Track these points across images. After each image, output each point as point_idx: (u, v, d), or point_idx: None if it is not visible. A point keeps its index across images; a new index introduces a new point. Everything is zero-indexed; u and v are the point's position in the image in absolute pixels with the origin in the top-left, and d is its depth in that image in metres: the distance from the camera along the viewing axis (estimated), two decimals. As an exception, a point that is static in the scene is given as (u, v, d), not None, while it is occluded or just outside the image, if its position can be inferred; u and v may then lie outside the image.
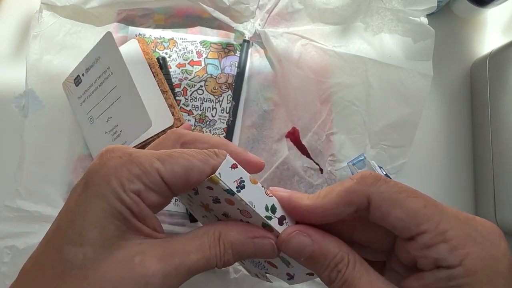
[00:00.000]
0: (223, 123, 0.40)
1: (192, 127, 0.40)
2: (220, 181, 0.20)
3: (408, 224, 0.19)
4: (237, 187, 0.20)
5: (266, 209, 0.21)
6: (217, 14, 0.40)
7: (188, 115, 0.40)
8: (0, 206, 0.38)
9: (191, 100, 0.41)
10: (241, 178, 0.20)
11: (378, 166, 0.37)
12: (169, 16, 0.42)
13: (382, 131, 0.40)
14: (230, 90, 0.41)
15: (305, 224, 0.21)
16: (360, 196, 0.20)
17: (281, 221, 0.21)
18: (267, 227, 0.21)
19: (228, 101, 0.41)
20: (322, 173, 0.40)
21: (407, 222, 0.19)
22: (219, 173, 0.20)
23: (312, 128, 0.40)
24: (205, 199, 0.23)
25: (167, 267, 0.19)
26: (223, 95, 0.41)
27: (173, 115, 0.39)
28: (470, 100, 0.43)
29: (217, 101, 0.41)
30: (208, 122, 0.40)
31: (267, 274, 0.27)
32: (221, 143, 0.25)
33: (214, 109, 0.41)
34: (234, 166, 0.21)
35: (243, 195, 0.20)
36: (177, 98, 0.40)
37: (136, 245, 0.19)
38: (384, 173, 0.37)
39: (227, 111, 0.40)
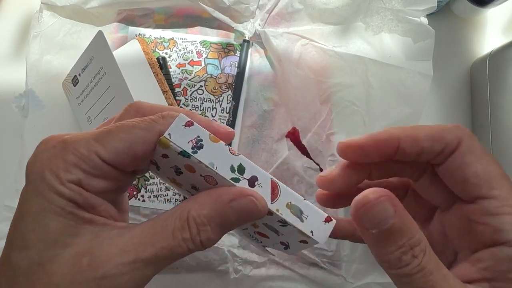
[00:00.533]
0: (223, 123, 0.40)
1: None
2: (171, 143, 0.17)
3: (481, 183, 0.19)
4: (193, 148, 0.17)
5: (232, 169, 0.18)
6: (217, 14, 0.40)
7: (188, 115, 0.40)
8: (0, 206, 0.38)
9: (191, 100, 0.41)
10: (197, 136, 0.17)
11: (378, 166, 0.37)
12: (169, 16, 0.42)
13: (382, 131, 0.40)
14: (230, 90, 0.41)
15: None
16: (454, 137, 0.19)
17: (252, 182, 0.18)
18: None
19: (228, 101, 0.41)
20: (322, 173, 0.40)
21: (482, 180, 0.19)
22: (169, 134, 0.17)
23: (312, 128, 0.40)
24: (168, 173, 0.20)
25: (120, 265, 0.17)
26: (223, 95, 0.41)
27: None
28: (470, 100, 0.43)
29: (217, 101, 0.41)
30: (208, 122, 0.40)
31: (266, 248, 0.25)
32: (178, 109, 0.21)
33: (214, 109, 0.41)
34: (188, 124, 0.18)
35: (201, 156, 0.17)
36: (177, 98, 0.40)
37: (86, 241, 0.17)
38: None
39: (227, 111, 0.40)
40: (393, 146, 0.20)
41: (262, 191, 0.18)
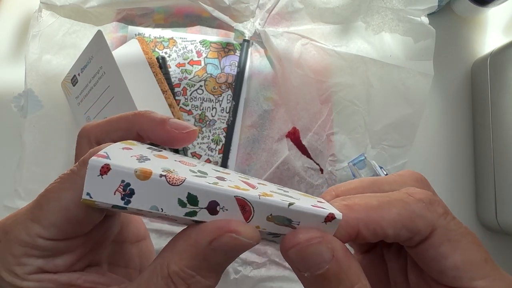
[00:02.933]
0: (223, 123, 0.40)
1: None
2: (96, 202, 0.14)
3: (461, 275, 0.16)
4: (122, 198, 0.14)
5: (182, 204, 0.14)
6: (217, 14, 0.40)
7: (188, 114, 0.40)
8: (0, 206, 0.38)
9: (191, 100, 0.40)
10: (122, 181, 0.14)
11: (379, 166, 0.37)
12: (168, 15, 0.42)
13: (382, 131, 0.39)
14: (230, 90, 0.41)
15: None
16: (426, 226, 0.16)
17: (212, 209, 0.15)
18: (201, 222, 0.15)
19: (228, 101, 0.40)
20: (322, 173, 0.39)
21: (462, 272, 0.16)
22: (87, 193, 0.14)
23: (313, 128, 0.40)
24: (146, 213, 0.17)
25: None
26: (223, 94, 0.41)
27: (173, 114, 0.38)
28: (471, 100, 0.43)
29: (217, 100, 0.41)
30: (208, 122, 0.40)
31: None
32: (129, 119, 0.18)
33: (214, 109, 0.40)
34: (104, 171, 0.14)
35: (137, 203, 0.14)
36: (176, 97, 0.40)
37: None
38: (385, 173, 0.36)
39: (227, 111, 0.40)
40: (350, 235, 0.16)
41: (230, 214, 0.15)
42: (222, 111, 0.40)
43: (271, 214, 0.15)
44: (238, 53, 0.41)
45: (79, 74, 0.38)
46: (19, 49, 0.43)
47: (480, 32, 0.44)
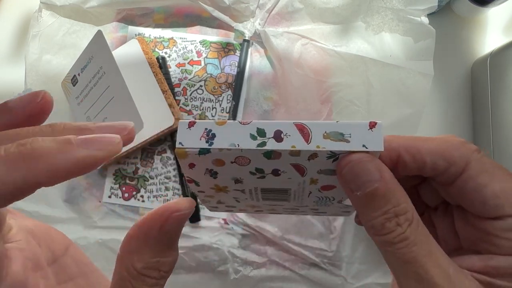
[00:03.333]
0: (223, 123, 0.40)
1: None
2: (186, 149, 0.17)
3: (502, 202, 0.17)
4: (207, 141, 0.17)
5: (253, 137, 0.17)
6: (217, 14, 0.40)
7: (188, 114, 0.40)
8: (-1, 206, 0.38)
9: (191, 100, 0.40)
10: (205, 129, 0.17)
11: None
12: (168, 15, 0.42)
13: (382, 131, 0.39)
14: (230, 90, 0.41)
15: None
16: (461, 157, 0.18)
17: (278, 137, 0.17)
18: (271, 155, 0.17)
19: (228, 101, 0.40)
20: (322, 173, 0.39)
21: (503, 200, 0.17)
22: (180, 142, 0.17)
23: (312, 128, 0.40)
24: (207, 182, 0.20)
25: None
26: (223, 94, 0.41)
27: (173, 114, 0.38)
28: (470, 100, 0.43)
29: (217, 100, 0.41)
30: (208, 122, 0.40)
31: (343, 203, 0.22)
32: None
33: (214, 109, 0.40)
34: (191, 124, 0.17)
35: (218, 143, 0.17)
36: (176, 97, 0.40)
37: None
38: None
39: (227, 111, 0.40)
40: (391, 158, 0.18)
41: (293, 139, 0.17)
42: (222, 111, 0.40)
43: (326, 132, 0.17)
44: (238, 53, 0.41)
45: (79, 74, 0.38)
46: (19, 49, 0.43)
47: (480, 32, 0.44)
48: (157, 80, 0.39)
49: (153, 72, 0.39)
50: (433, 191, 0.21)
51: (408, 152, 0.18)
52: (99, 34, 0.36)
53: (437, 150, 0.18)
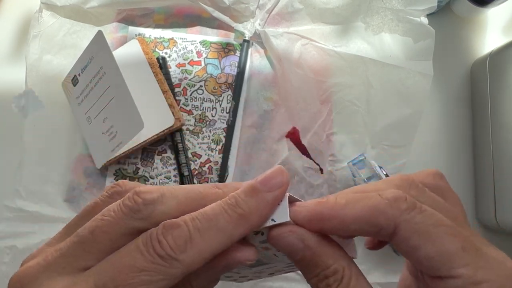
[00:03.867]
0: (223, 123, 0.40)
1: (192, 127, 0.40)
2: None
3: (439, 265, 0.16)
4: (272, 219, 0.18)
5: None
6: (217, 14, 0.40)
7: (188, 115, 0.40)
8: (0, 206, 0.38)
9: (191, 100, 0.41)
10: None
11: (379, 166, 0.37)
12: (169, 15, 0.42)
13: (382, 131, 0.40)
14: (230, 90, 0.41)
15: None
16: (388, 221, 0.17)
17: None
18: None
19: (228, 101, 0.41)
20: (322, 173, 0.39)
21: (438, 262, 0.16)
22: (272, 219, 0.17)
23: (312, 128, 0.40)
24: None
25: None
26: (223, 95, 0.41)
27: (173, 115, 0.38)
28: (470, 100, 0.43)
29: (217, 101, 0.41)
30: (208, 122, 0.40)
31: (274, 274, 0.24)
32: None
33: (214, 109, 0.41)
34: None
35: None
36: (177, 98, 0.40)
37: None
38: (385, 173, 0.37)
39: (227, 111, 0.40)
40: (312, 226, 0.18)
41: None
42: (222, 111, 0.40)
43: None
44: (238, 53, 0.41)
45: (79, 75, 0.38)
46: (20, 49, 0.43)
47: (479, 32, 0.44)
48: (157, 80, 0.39)
49: (153, 72, 0.39)
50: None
51: (335, 223, 0.17)
52: (99, 35, 0.36)
53: (361, 216, 0.17)
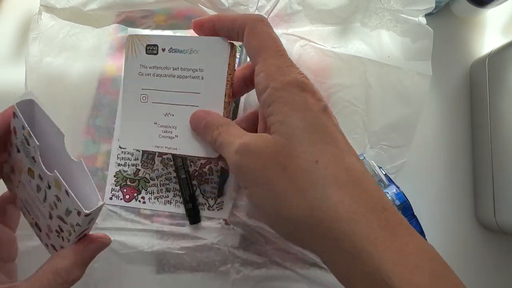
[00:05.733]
0: (223, 124, 0.40)
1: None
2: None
3: (255, 53, 0.26)
4: None
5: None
6: (216, 16, 0.40)
7: (188, 116, 0.40)
8: None
9: (191, 102, 0.41)
10: None
11: (378, 166, 0.37)
12: (169, 17, 0.42)
13: (381, 131, 0.40)
14: (229, 91, 0.41)
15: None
16: (242, 22, 0.27)
17: None
18: None
19: (228, 102, 0.40)
20: (321, 173, 0.40)
21: (255, 51, 0.26)
22: None
23: (312, 129, 0.40)
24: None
25: None
26: (222, 96, 0.41)
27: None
28: (469, 100, 0.43)
29: (216, 102, 0.41)
30: (207, 123, 0.40)
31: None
32: None
33: (214, 110, 0.40)
34: None
35: None
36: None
37: None
38: (384, 173, 0.37)
39: (227, 112, 0.40)
40: (211, 26, 0.29)
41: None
42: (222, 112, 0.40)
43: None
44: (238, 54, 0.41)
45: (164, 49, 0.31)
46: (20, 51, 0.43)
47: (478, 32, 0.44)
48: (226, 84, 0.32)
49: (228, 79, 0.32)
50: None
51: (218, 21, 0.29)
52: (225, 46, 0.30)
53: (230, 19, 0.28)
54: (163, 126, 0.32)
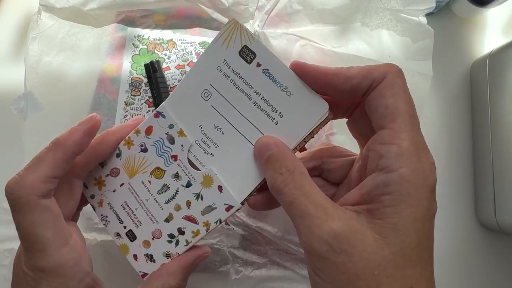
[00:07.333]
0: (223, 124, 0.40)
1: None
2: None
3: (387, 114, 0.21)
4: None
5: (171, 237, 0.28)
6: (216, 15, 0.40)
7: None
8: (-1, 208, 0.38)
9: (191, 101, 0.40)
10: None
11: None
12: (169, 16, 0.42)
13: (382, 132, 0.40)
14: (229, 91, 0.40)
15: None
16: (380, 73, 0.21)
17: (180, 231, 0.27)
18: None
19: (228, 102, 0.40)
20: (322, 174, 0.39)
21: (389, 112, 0.21)
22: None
23: (312, 129, 0.40)
24: None
25: None
26: (222, 96, 0.40)
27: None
28: (470, 100, 0.43)
29: (216, 102, 0.40)
30: (207, 123, 0.40)
31: None
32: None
33: (214, 110, 0.40)
34: None
35: None
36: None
37: None
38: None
39: (227, 112, 0.40)
40: (339, 82, 0.23)
41: (189, 229, 0.28)
42: (222, 112, 0.40)
43: (201, 210, 0.28)
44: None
45: (261, 67, 0.26)
46: (19, 51, 0.43)
47: (479, 32, 0.44)
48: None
49: None
50: (361, 120, 0.25)
51: (340, 78, 0.23)
52: (319, 113, 0.25)
53: (360, 73, 0.22)
54: (205, 134, 0.27)
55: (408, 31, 0.39)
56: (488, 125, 0.39)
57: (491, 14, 0.44)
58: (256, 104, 0.25)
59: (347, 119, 0.27)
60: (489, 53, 0.40)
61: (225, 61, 0.26)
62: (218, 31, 0.26)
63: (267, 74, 0.25)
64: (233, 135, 0.26)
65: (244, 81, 0.26)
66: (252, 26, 0.41)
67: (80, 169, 0.27)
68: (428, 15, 0.38)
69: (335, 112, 0.26)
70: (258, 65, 0.25)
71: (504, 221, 0.36)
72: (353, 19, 0.40)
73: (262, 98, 0.25)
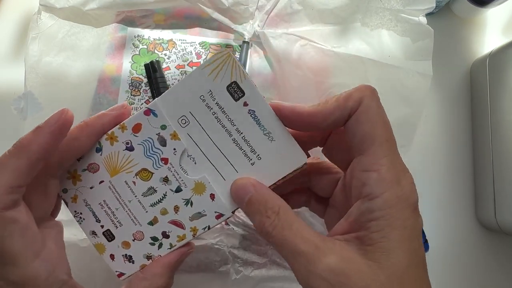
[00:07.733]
0: (223, 124, 0.40)
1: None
2: None
3: (365, 140, 0.21)
4: None
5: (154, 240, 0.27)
6: (216, 15, 0.40)
7: (188, 116, 0.40)
8: None
9: (191, 101, 0.40)
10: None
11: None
12: (169, 16, 0.42)
13: (382, 132, 0.40)
14: (229, 91, 0.40)
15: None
16: (355, 101, 0.22)
17: (165, 235, 0.27)
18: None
19: (228, 102, 0.40)
20: (322, 173, 0.39)
21: (367, 138, 0.21)
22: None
23: (312, 129, 0.40)
24: None
25: None
26: (222, 96, 0.40)
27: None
28: (470, 100, 0.43)
29: (216, 102, 0.40)
30: (207, 123, 0.40)
31: None
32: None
33: (214, 110, 0.40)
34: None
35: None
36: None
37: None
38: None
39: (227, 112, 0.40)
40: (319, 121, 0.23)
41: (174, 233, 0.27)
42: (222, 112, 0.40)
43: (189, 216, 0.27)
44: (237, 54, 0.41)
45: (248, 107, 0.25)
46: (19, 51, 0.43)
47: (479, 32, 0.44)
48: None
49: None
50: (325, 184, 0.27)
51: (320, 117, 0.22)
52: (296, 163, 0.25)
53: (337, 107, 0.22)
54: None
55: (408, 31, 0.39)
56: (488, 125, 0.39)
57: (491, 14, 0.44)
58: (236, 142, 0.25)
59: (321, 148, 0.27)
60: (489, 53, 0.40)
61: (210, 92, 0.25)
62: (207, 59, 0.26)
63: (253, 116, 0.24)
64: (206, 167, 0.25)
65: (227, 116, 0.25)
66: (252, 26, 0.41)
67: (55, 168, 0.25)
68: (428, 15, 0.38)
69: (309, 145, 0.26)
70: (245, 104, 0.24)
71: (504, 221, 0.36)
72: (353, 19, 0.40)
73: (243, 138, 0.25)
